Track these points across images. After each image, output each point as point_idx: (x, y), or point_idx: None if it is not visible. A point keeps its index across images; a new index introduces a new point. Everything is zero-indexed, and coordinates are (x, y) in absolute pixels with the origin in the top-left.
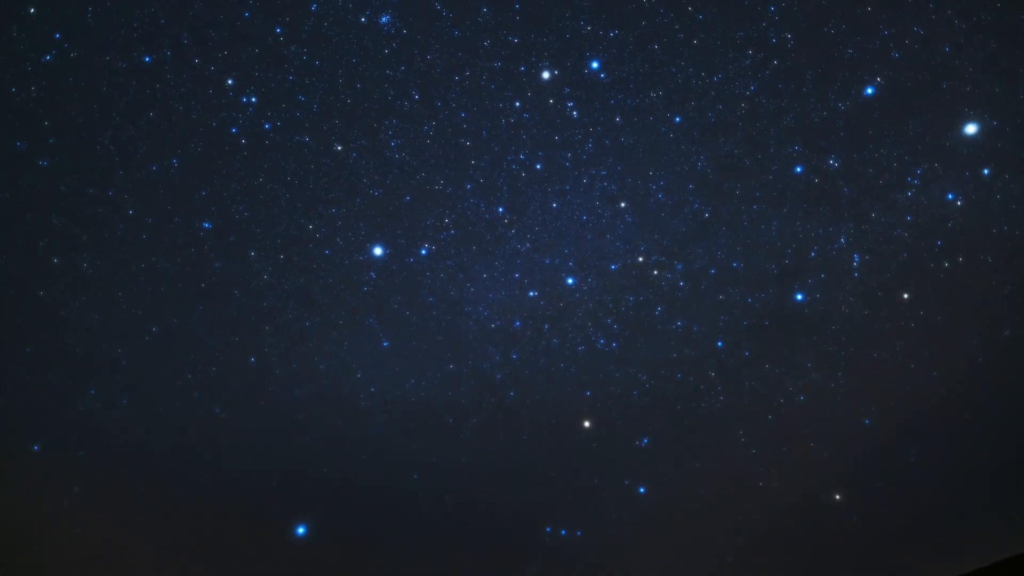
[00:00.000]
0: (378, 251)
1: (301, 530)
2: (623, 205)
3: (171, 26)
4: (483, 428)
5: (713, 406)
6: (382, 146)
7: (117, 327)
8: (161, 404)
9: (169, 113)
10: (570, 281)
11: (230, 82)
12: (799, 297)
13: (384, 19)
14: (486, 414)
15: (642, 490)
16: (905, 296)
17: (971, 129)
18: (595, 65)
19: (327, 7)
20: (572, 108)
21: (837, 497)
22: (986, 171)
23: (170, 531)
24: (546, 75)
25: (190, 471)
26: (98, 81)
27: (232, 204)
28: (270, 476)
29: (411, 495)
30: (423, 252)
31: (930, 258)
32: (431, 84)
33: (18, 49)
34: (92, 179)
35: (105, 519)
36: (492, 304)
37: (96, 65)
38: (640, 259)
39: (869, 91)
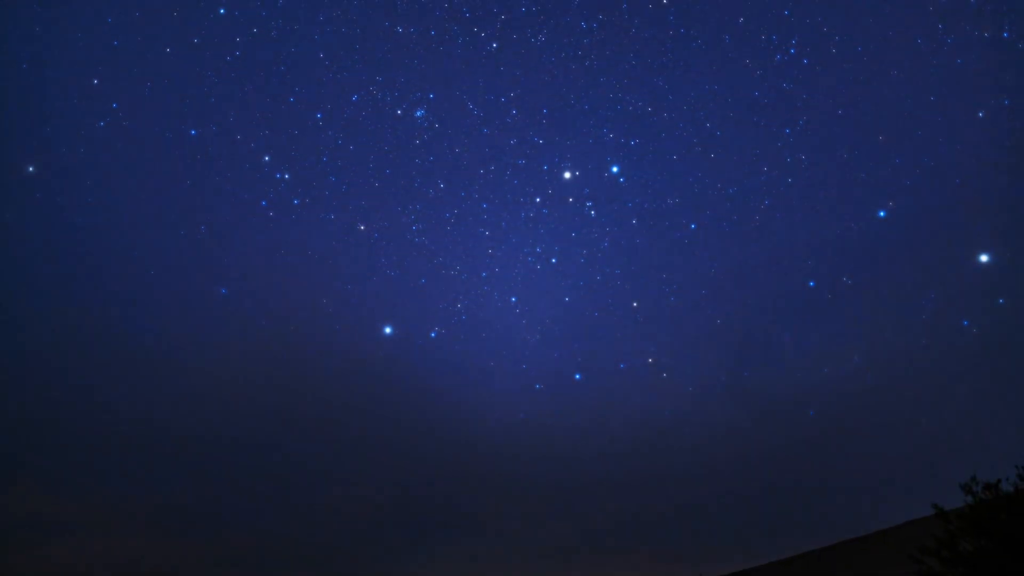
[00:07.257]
0: (388, 330)
1: None
2: (635, 305)
3: (221, 104)
4: (479, 529)
5: (720, 523)
6: (404, 229)
7: (113, 393)
8: (153, 467)
9: (205, 183)
10: (577, 376)
11: (267, 158)
12: (811, 413)
13: (419, 112)
14: (482, 514)
15: None
16: (923, 422)
17: (984, 258)
18: (615, 169)
19: (367, 98)
20: (590, 207)
21: None
22: (1001, 300)
23: None
24: (567, 175)
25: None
26: (144, 148)
27: (251, 272)
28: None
29: None
30: (432, 335)
31: (947, 383)
32: (457, 175)
33: (75, 115)
34: (120, 240)
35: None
36: (497, 394)
37: (145, 134)
38: (650, 360)
39: (881, 214)
